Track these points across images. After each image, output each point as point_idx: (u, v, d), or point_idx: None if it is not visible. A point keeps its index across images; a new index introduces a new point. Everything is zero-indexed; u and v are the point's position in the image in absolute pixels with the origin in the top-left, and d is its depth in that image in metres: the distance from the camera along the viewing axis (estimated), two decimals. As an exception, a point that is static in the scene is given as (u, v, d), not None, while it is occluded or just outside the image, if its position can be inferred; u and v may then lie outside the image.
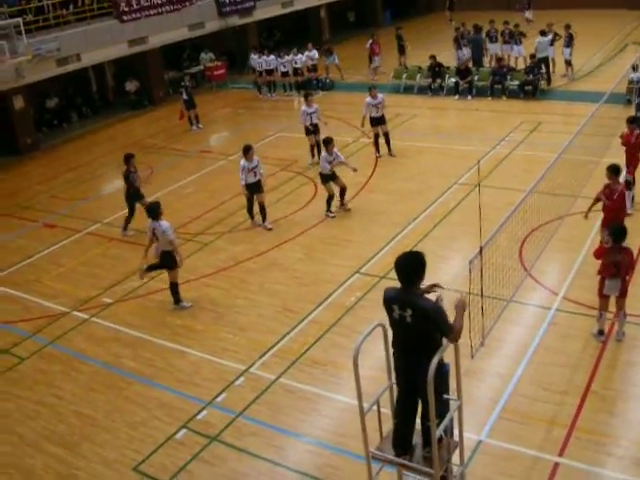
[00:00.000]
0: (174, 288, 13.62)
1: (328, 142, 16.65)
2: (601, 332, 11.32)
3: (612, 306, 11.21)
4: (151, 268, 13.63)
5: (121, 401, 11.11)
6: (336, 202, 17.10)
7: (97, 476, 9.67)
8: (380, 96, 20.42)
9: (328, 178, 16.67)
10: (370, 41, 30.86)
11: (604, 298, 11.12)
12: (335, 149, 16.72)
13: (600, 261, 11.05)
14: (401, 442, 7.23)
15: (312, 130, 20.26)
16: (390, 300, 6.93)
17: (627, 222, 13.91)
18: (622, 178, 13.76)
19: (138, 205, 16.94)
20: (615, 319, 11.37)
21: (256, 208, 16.76)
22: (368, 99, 20.30)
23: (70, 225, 18.32)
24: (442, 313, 6.68)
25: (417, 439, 7.28)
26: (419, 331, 6.75)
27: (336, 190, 16.83)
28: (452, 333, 6.67)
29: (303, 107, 20.28)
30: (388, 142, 20.74)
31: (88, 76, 31.29)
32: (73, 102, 30.27)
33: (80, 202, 19.92)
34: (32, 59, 23.74)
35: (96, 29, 26.77)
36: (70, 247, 17.15)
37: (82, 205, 19.69)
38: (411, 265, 6.84)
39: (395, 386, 7.32)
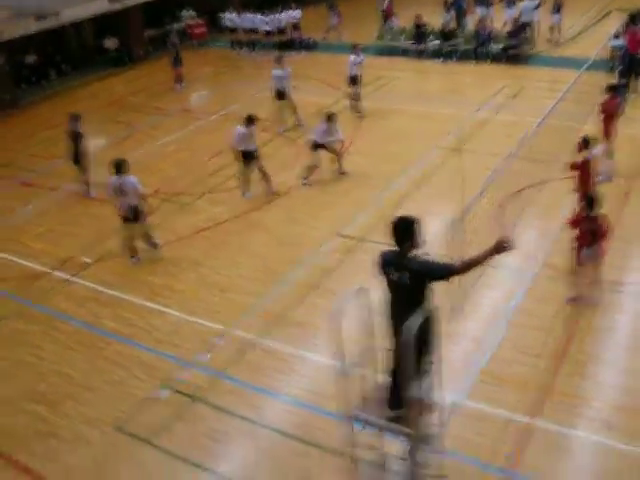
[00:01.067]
0: (149, 238, 13.97)
1: (331, 117, 16.43)
2: (576, 299, 11.48)
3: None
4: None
5: (101, 361, 11.14)
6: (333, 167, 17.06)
7: (79, 434, 9.71)
8: (362, 55, 20.55)
9: (319, 147, 16.51)
10: (387, 0, 30.44)
11: (581, 266, 11.26)
12: (337, 125, 16.55)
13: (575, 230, 11.22)
14: (394, 399, 7.45)
15: (283, 93, 20.11)
16: (387, 263, 7.16)
17: (603, 188, 14.13)
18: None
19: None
20: (590, 286, 11.53)
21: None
22: (352, 57, 20.33)
23: (50, 183, 18.22)
24: (430, 262, 7.00)
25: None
26: (417, 290, 7.00)
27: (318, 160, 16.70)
28: (454, 270, 6.97)
29: (274, 71, 20.05)
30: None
31: (67, 33, 30.81)
32: (52, 59, 29.83)
33: (60, 160, 19.65)
34: (10, 15, 23.36)
35: (75, -15, 26.34)
36: (50, 206, 17.08)
37: (63, 163, 19.44)
38: (404, 227, 7.04)
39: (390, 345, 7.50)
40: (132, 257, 13.99)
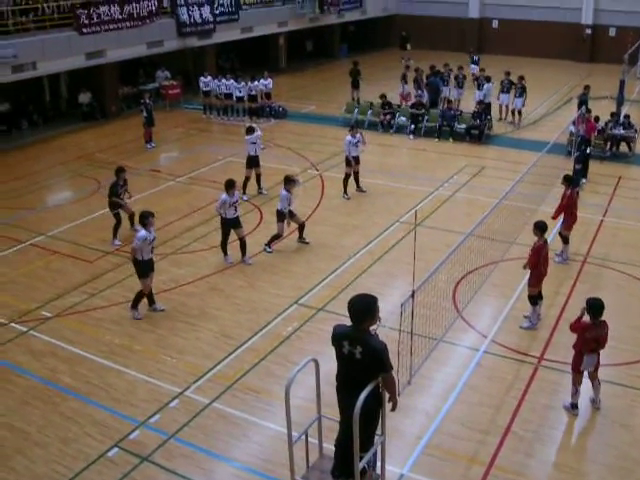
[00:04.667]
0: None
1: (290, 180, 16.66)
2: (574, 405, 11.19)
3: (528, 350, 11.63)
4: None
5: (55, 416, 11.19)
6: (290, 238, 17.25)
7: (26, 490, 9.76)
8: (358, 135, 20.42)
9: (284, 216, 16.69)
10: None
11: (580, 373, 11.02)
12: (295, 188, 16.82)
13: (575, 335, 10.98)
14: (340, 468, 7.69)
15: (255, 162, 20.45)
16: (340, 336, 7.37)
17: (558, 270, 14.70)
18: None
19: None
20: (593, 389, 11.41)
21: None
22: (349, 137, 20.26)
23: (14, 235, 18.24)
24: (388, 353, 7.23)
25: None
26: (366, 367, 7.21)
27: (286, 228, 16.95)
28: (389, 374, 7.27)
29: (247, 137, 20.32)
30: (358, 179, 20.84)
31: (42, 84, 31.18)
32: (25, 109, 30.10)
33: (26, 212, 19.84)
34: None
35: (54, 39, 26.71)
36: (12, 258, 17.09)
37: (27, 215, 19.62)
38: (364, 306, 7.27)
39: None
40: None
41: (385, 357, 7.19)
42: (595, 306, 10.71)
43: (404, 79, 30.71)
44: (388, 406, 7.67)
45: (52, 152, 26.18)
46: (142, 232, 13.62)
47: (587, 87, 26.28)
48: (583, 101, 24.69)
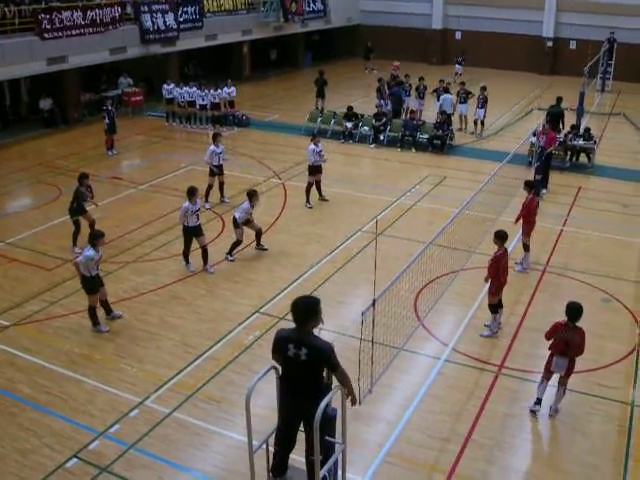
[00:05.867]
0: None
1: (253, 194, 16.56)
2: (538, 401, 11.36)
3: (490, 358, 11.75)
4: None
5: (13, 427, 11.00)
6: (250, 245, 17.24)
7: (-18, 503, 9.61)
8: (321, 144, 20.44)
9: (240, 224, 16.62)
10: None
11: (549, 373, 11.24)
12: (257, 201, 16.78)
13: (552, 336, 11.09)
14: (280, 467, 7.85)
15: (218, 171, 20.33)
16: (285, 339, 7.40)
17: (518, 279, 14.84)
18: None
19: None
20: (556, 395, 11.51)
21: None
22: (312, 146, 20.21)
23: (-30, 243, 17.97)
24: (334, 351, 7.30)
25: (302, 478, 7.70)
26: (312, 369, 7.28)
27: (244, 236, 16.87)
28: (340, 370, 7.34)
29: (212, 147, 20.09)
30: (320, 188, 20.84)
31: (2, 89, 30.84)
32: (-16, 114, 29.75)
33: (-18, 220, 19.60)
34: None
35: (15, 44, 26.36)
36: (-30, 266, 16.83)
37: (-16, 222, 19.38)
38: (307, 308, 7.33)
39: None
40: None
41: (332, 356, 7.26)
42: (572, 309, 10.90)
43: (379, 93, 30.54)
44: (349, 413, 7.69)
45: (12, 158, 25.81)
46: (90, 251, 13.36)
47: (560, 99, 25.87)
48: (557, 113, 24.75)
